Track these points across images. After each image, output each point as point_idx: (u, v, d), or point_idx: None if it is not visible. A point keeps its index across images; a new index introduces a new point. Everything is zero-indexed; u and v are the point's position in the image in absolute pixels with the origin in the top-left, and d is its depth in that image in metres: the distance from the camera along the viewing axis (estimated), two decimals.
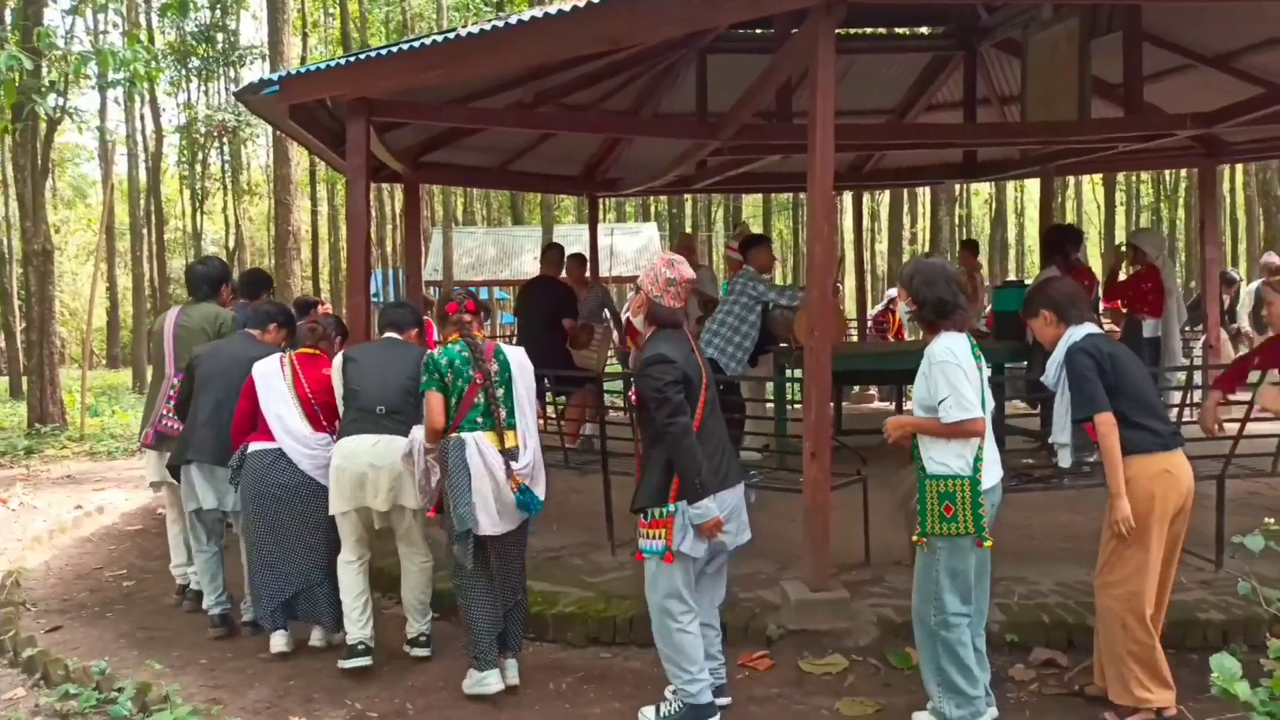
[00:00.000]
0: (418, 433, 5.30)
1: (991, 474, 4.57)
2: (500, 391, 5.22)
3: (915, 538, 4.54)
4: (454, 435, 5.13)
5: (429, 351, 5.38)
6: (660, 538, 4.66)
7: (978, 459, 4.50)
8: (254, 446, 5.87)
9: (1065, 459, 4.79)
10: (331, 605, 5.87)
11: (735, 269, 9.98)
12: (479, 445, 5.08)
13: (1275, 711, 2.69)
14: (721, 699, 4.99)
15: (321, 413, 5.90)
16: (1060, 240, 9.48)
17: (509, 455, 5.13)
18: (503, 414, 5.18)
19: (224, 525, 6.46)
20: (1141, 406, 4.68)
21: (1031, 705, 5.02)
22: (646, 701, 5.01)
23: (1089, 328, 4.83)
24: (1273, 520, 3.37)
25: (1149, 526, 4.58)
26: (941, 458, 4.51)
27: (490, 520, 5.07)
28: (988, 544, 4.51)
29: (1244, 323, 13.59)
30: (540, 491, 5.24)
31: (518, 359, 5.37)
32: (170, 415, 6.59)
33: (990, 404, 4.61)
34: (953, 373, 4.45)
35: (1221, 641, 5.35)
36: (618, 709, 5.09)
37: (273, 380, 5.93)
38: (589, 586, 6.46)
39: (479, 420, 5.15)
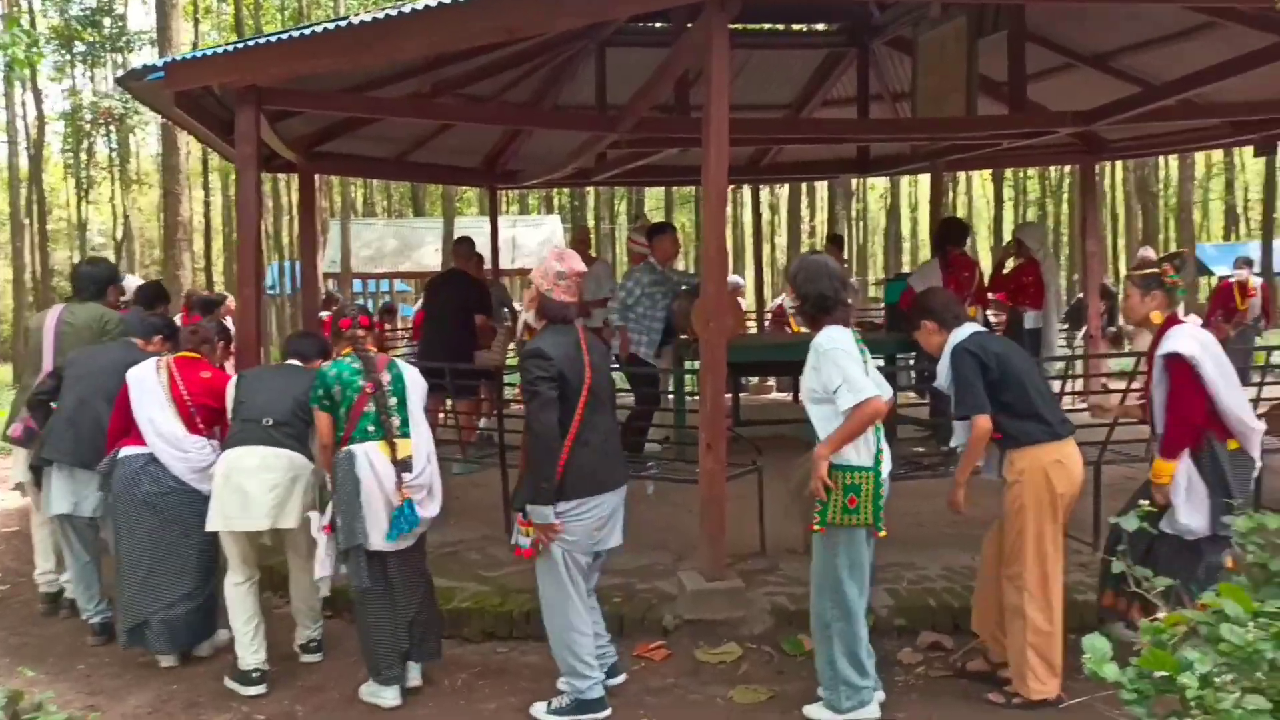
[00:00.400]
0: (320, 540, 5.13)
1: (886, 467, 4.67)
2: (393, 401, 5.10)
3: (815, 527, 4.59)
4: (344, 449, 5.02)
5: (319, 369, 5.31)
6: (530, 533, 4.71)
7: (879, 450, 4.59)
8: (124, 452, 5.62)
9: (990, 471, 4.94)
10: (201, 624, 5.70)
11: (636, 260, 10.02)
12: (370, 457, 4.96)
13: (1143, 689, 2.78)
14: (615, 678, 5.08)
15: (199, 415, 5.68)
16: (942, 235, 9.68)
17: (402, 466, 5.00)
18: (395, 423, 5.05)
19: (95, 535, 6.22)
20: (1030, 399, 4.82)
21: (918, 688, 5.14)
22: (543, 696, 5.01)
23: (971, 327, 4.98)
24: (1147, 502, 3.48)
25: (1047, 517, 4.73)
26: (844, 451, 4.57)
27: (381, 535, 4.94)
28: (883, 534, 4.61)
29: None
30: (430, 510, 5.11)
31: (411, 375, 5.28)
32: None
33: (887, 392, 4.68)
34: (841, 358, 4.51)
35: (1098, 622, 5.51)
36: (513, 704, 5.09)
37: (147, 384, 5.70)
38: (485, 581, 6.44)
39: (370, 429, 5.02)
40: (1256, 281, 14.19)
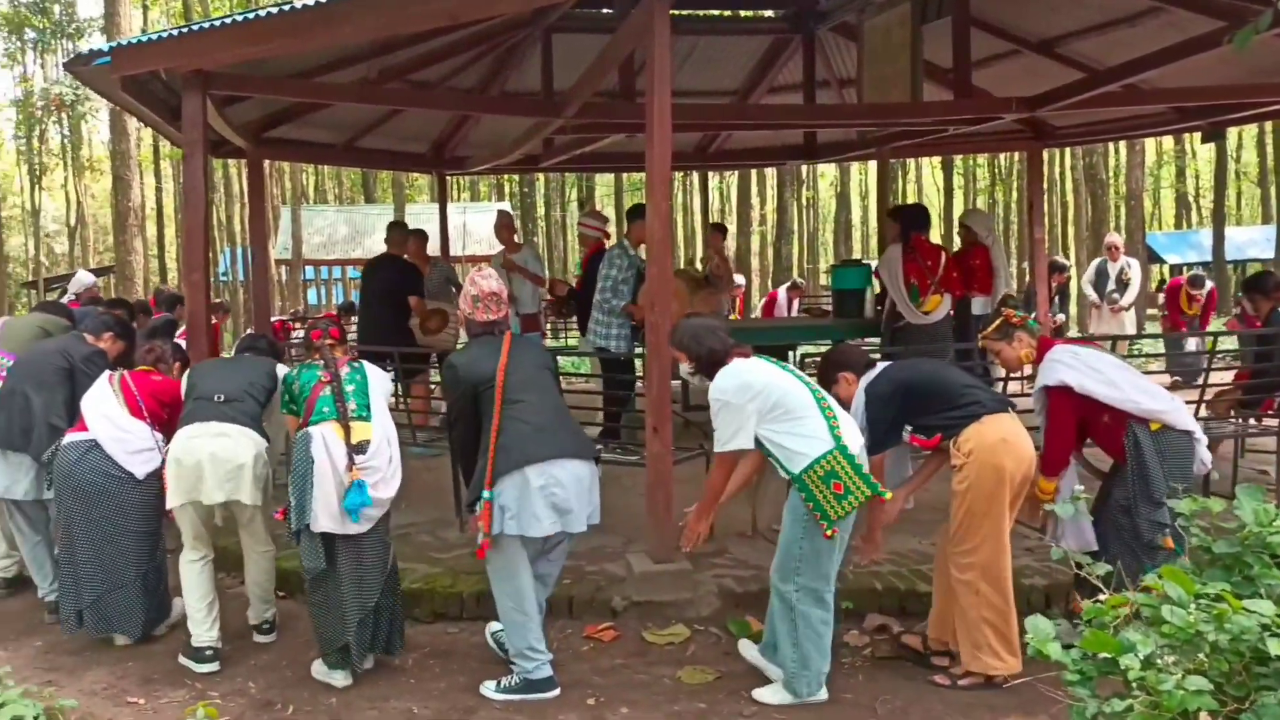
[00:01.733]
0: None
1: (854, 440, 4.68)
2: (350, 388, 5.09)
3: (826, 533, 4.55)
4: (301, 430, 5.00)
5: (285, 374, 5.35)
6: (481, 529, 4.73)
7: (832, 424, 4.61)
8: (67, 439, 5.59)
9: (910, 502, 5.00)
10: (142, 609, 5.61)
11: (591, 245, 9.94)
12: (325, 438, 4.91)
13: (1086, 670, 2.76)
14: None
15: (145, 406, 5.64)
16: (905, 222, 9.57)
17: (356, 449, 4.93)
18: (351, 406, 5.02)
19: (45, 515, 6.19)
20: (951, 394, 4.93)
21: (864, 669, 5.15)
22: (491, 676, 5.01)
23: (876, 369, 5.14)
24: (1083, 489, 3.47)
25: (997, 496, 4.73)
26: (798, 449, 4.58)
27: (330, 518, 4.86)
28: (888, 496, 4.70)
29: (1088, 291, 14.17)
30: (384, 492, 5.01)
31: (374, 371, 5.31)
32: None
33: (815, 388, 4.80)
34: (733, 416, 4.71)
35: (1044, 604, 5.53)
36: (463, 683, 5.07)
37: (98, 384, 5.75)
38: (436, 563, 6.41)
39: (325, 410, 5.01)
40: (1206, 288, 14.42)
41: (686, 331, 5.00)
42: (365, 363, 5.36)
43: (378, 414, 5.11)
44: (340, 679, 5.04)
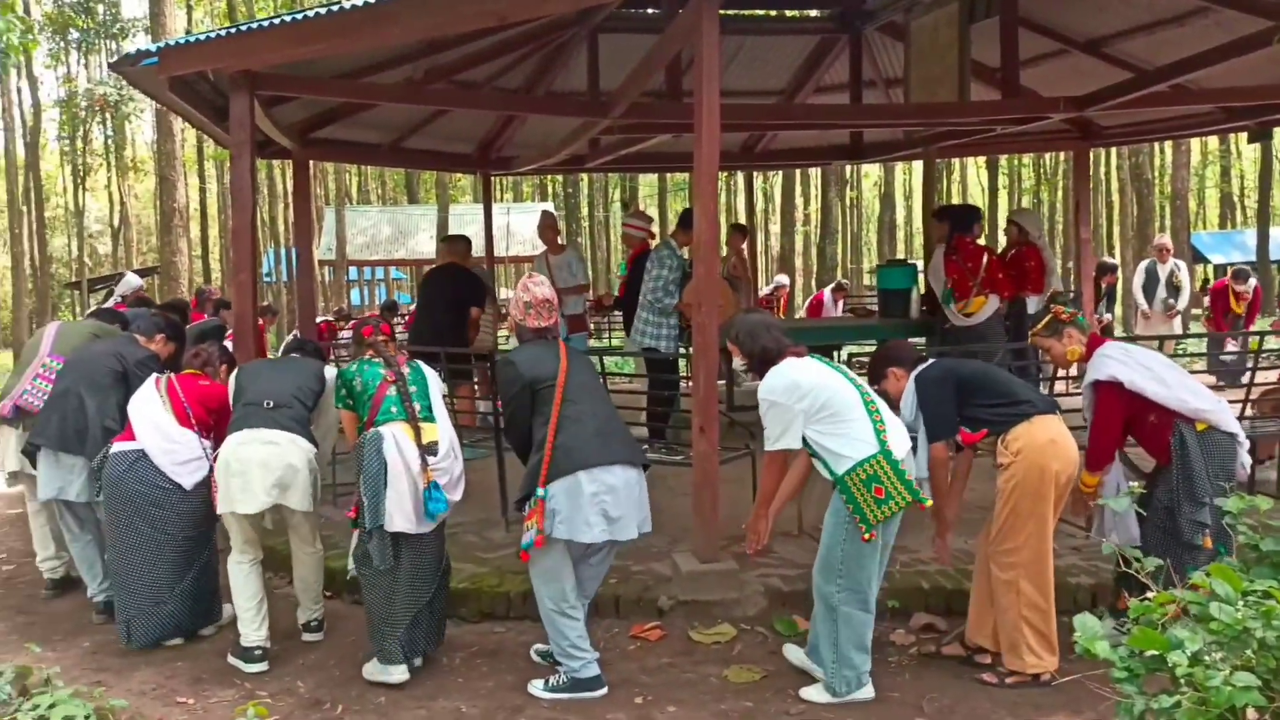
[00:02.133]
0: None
1: (900, 445, 4.70)
2: (414, 389, 5.15)
3: (864, 536, 4.59)
4: (370, 430, 5.03)
5: (342, 369, 5.38)
6: (533, 527, 4.77)
7: (878, 428, 4.63)
8: (116, 447, 5.64)
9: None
10: (189, 616, 5.71)
11: (636, 246, 9.99)
12: (396, 438, 4.96)
13: (1134, 668, 2.79)
14: None
15: (193, 413, 5.70)
16: (950, 223, 9.57)
17: (427, 450, 5.00)
18: (417, 408, 5.09)
19: (94, 512, 6.25)
20: (1001, 388, 4.98)
21: (911, 668, 5.17)
22: (539, 675, 5.06)
23: (930, 361, 5.19)
24: (1137, 484, 3.49)
25: (1043, 496, 4.77)
26: (843, 452, 4.62)
27: (405, 518, 4.91)
28: (928, 503, 4.69)
29: (1138, 296, 14.03)
30: (453, 494, 5.10)
31: (430, 372, 5.36)
32: (33, 391, 6.38)
33: (865, 389, 4.81)
34: (782, 415, 4.74)
35: (1091, 604, 5.54)
36: (510, 682, 5.11)
37: (145, 388, 5.81)
38: (483, 562, 6.47)
39: (393, 411, 5.06)
40: (1251, 284, 14.26)
41: (742, 327, 5.03)
42: (420, 363, 5.41)
43: (440, 414, 5.18)
44: (399, 674, 5.06)
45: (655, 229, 11.03)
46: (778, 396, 4.75)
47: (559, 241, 11.14)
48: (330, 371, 5.82)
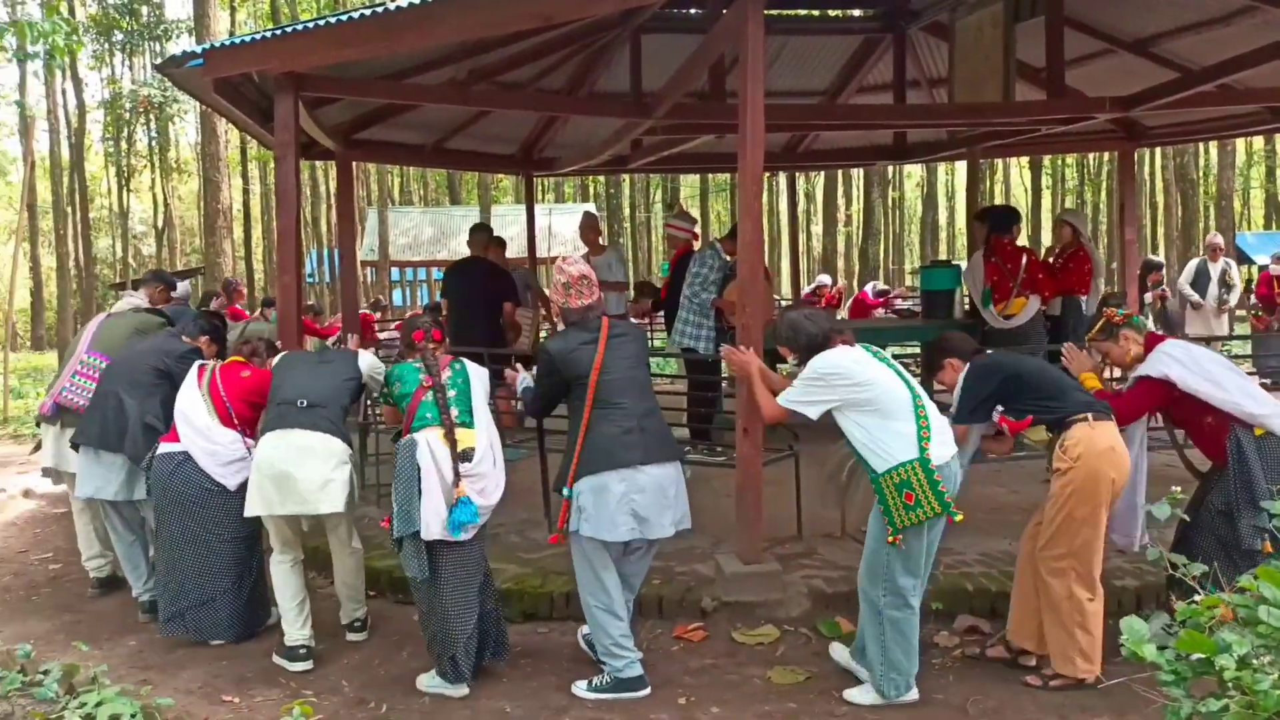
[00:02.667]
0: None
1: (942, 451, 4.67)
2: (453, 393, 5.13)
3: (890, 539, 4.61)
4: (405, 437, 5.05)
5: (389, 369, 5.42)
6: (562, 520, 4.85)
7: (920, 440, 4.60)
8: (162, 449, 5.73)
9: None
10: (238, 617, 5.77)
11: (680, 247, 10.01)
12: (430, 445, 4.94)
13: (1181, 671, 2.79)
14: None
15: (234, 410, 5.76)
16: (989, 225, 9.56)
17: (463, 457, 4.96)
18: (454, 413, 5.05)
19: (138, 516, 6.33)
20: (1057, 390, 4.96)
21: (956, 670, 5.18)
22: (582, 675, 5.09)
23: (981, 357, 5.17)
24: (1180, 489, 3.48)
25: (1099, 504, 4.75)
26: (881, 451, 4.62)
27: (441, 525, 4.88)
28: (959, 518, 4.62)
29: (1187, 292, 13.90)
30: (490, 498, 5.05)
31: (475, 369, 5.34)
32: (72, 388, 6.45)
33: (917, 390, 4.78)
34: (812, 390, 4.79)
35: (1136, 607, 5.52)
36: (554, 683, 5.14)
37: (188, 386, 5.85)
38: (526, 563, 6.50)
39: (428, 416, 5.04)
40: None
41: (785, 325, 5.04)
42: (466, 361, 5.39)
43: (480, 418, 5.15)
44: (457, 692, 5.03)
45: (698, 229, 11.04)
46: (819, 371, 4.78)
47: (600, 242, 11.17)
48: (366, 360, 5.82)
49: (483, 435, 5.10)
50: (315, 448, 5.33)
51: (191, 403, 5.76)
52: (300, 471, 5.26)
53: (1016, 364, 5.14)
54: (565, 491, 4.86)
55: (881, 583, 4.71)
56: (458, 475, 4.92)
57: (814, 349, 4.88)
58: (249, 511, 5.42)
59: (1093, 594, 4.81)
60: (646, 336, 5.86)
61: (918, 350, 10.73)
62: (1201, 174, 32.33)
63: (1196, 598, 3.01)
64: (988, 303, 9.07)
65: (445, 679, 5.06)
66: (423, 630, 5.20)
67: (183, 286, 9.61)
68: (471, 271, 10.17)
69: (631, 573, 5.20)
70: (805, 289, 17.96)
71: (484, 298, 9.74)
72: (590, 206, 31.83)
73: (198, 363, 6.02)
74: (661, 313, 11.08)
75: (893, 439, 4.61)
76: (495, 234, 10.85)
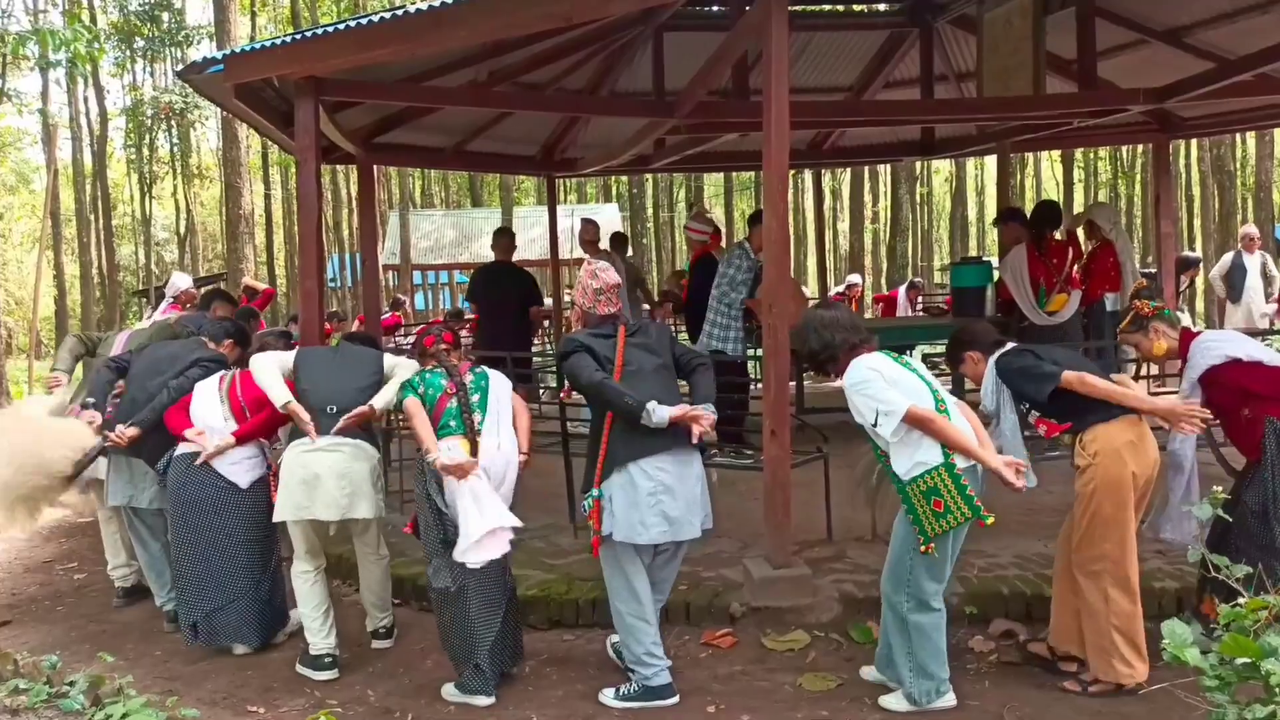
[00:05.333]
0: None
1: (964, 459, 4.59)
2: (475, 398, 5.13)
3: (921, 548, 4.57)
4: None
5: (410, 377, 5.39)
6: (592, 527, 4.84)
7: (944, 445, 4.55)
8: (178, 451, 5.77)
9: (1031, 479, 4.84)
10: (258, 620, 5.79)
11: (698, 250, 10.01)
12: (453, 454, 4.96)
13: (1225, 676, 2.75)
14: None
15: (250, 413, 5.77)
16: (1035, 220, 9.50)
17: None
18: (476, 419, 5.07)
19: (163, 524, 6.33)
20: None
21: (991, 675, 5.13)
22: (609, 683, 5.08)
23: (1006, 347, 5.08)
24: (1220, 489, 3.43)
25: (1123, 501, 4.70)
26: (910, 457, 4.56)
27: (469, 540, 4.90)
28: (989, 521, 4.53)
29: (1218, 286, 13.77)
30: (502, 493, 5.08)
31: (496, 376, 5.33)
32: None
33: (942, 395, 4.71)
34: (868, 389, 4.60)
35: (1175, 608, 5.45)
36: (580, 691, 5.14)
37: (209, 392, 5.87)
38: (551, 569, 6.47)
39: (451, 424, 5.04)
40: None
41: (800, 330, 4.94)
42: (487, 368, 5.39)
43: (502, 423, 5.16)
44: (483, 701, 5.02)
45: (722, 228, 11.08)
46: (859, 377, 4.65)
47: (600, 247, 11.46)
48: (390, 359, 5.85)
49: (505, 444, 5.12)
50: (346, 453, 5.38)
51: (209, 406, 5.79)
52: (332, 477, 5.31)
53: (1044, 354, 5.02)
54: (595, 493, 4.84)
55: (905, 588, 4.68)
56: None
57: (832, 358, 4.82)
58: (278, 517, 5.46)
59: (1130, 594, 4.75)
60: (672, 333, 5.81)
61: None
62: (1239, 165, 32.04)
63: (1240, 600, 2.97)
64: (1042, 302, 9.01)
65: (468, 690, 5.06)
66: (443, 643, 5.21)
67: (180, 279, 9.62)
68: (504, 277, 10.50)
69: (662, 577, 5.20)
70: (835, 289, 17.87)
71: (516, 302, 9.89)
72: (613, 207, 31.82)
73: (219, 374, 6.02)
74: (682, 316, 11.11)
75: (918, 443, 4.56)
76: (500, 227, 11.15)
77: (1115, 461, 4.69)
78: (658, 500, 4.79)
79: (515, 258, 11.03)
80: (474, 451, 4.98)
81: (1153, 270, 15.43)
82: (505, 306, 10.07)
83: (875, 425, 4.59)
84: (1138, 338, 5.26)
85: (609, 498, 4.82)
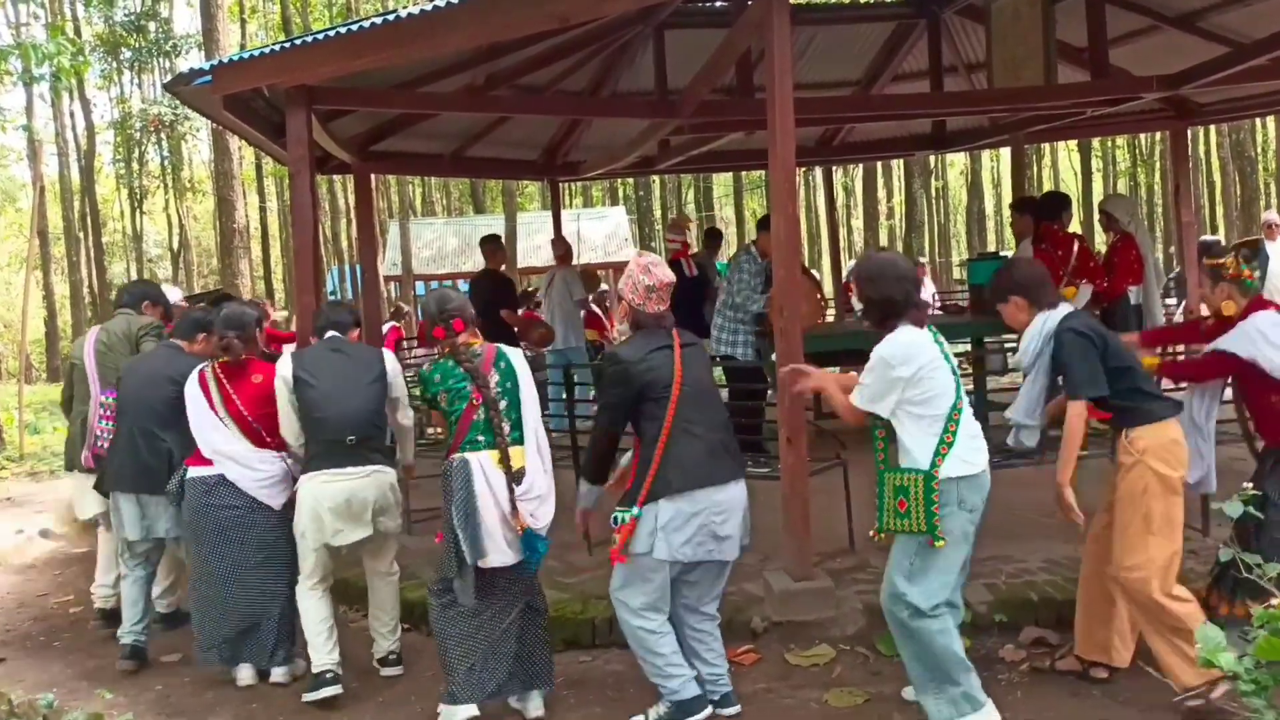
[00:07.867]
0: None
1: (977, 458, 4.52)
2: (504, 404, 5.02)
3: (872, 533, 4.56)
4: (456, 456, 4.94)
5: (420, 369, 5.36)
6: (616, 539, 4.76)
7: (937, 452, 4.41)
8: (192, 472, 5.69)
9: (1031, 438, 4.78)
10: (279, 641, 5.77)
11: (670, 256, 10.13)
12: (484, 469, 4.89)
13: (1261, 679, 2.74)
14: (727, 709, 4.95)
15: (262, 427, 5.70)
16: (1035, 211, 9.49)
17: (516, 478, 4.91)
18: (507, 428, 4.97)
19: (159, 552, 6.35)
20: (1140, 375, 4.77)
21: (1023, 685, 5.09)
22: (628, 705, 5.04)
23: (1065, 309, 4.86)
24: (1250, 485, 3.42)
25: (1172, 502, 4.63)
26: (902, 449, 4.47)
27: (499, 552, 4.87)
28: (939, 545, 4.36)
29: None
30: (544, 515, 5.01)
31: (519, 362, 5.18)
32: (104, 435, 6.42)
33: (960, 395, 4.55)
34: (883, 371, 4.46)
35: (1203, 607, 5.41)
36: (599, 713, 5.11)
37: (198, 403, 5.76)
38: (565, 588, 6.42)
39: (480, 439, 4.94)
40: None
41: (869, 268, 4.73)
42: (507, 351, 5.21)
43: (528, 421, 5.07)
44: (464, 713, 4.93)
45: (692, 239, 11.41)
46: (886, 355, 4.48)
47: (570, 263, 12.42)
48: (391, 361, 5.82)
49: (531, 447, 5.05)
50: (367, 480, 5.44)
51: (213, 427, 5.70)
52: (354, 503, 5.38)
53: (1106, 332, 4.84)
54: (636, 512, 4.70)
55: (904, 600, 4.47)
56: (514, 504, 4.88)
57: (889, 314, 4.56)
58: (308, 545, 5.47)
59: (1180, 592, 4.63)
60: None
61: (967, 348, 10.62)
62: (1259, 151, 31.98)
63: (1275, 601, 2.95)
64: None
65: (449, 702, 4.97)
66: (449, 658, 5.02)
67: (171, 292, 9.61)
68: (478, 283, 11.40)
69: (699, 594, 4.98)
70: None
71: (482, 307, 10.12)
72: (620, 210, 31.88)
73: (196, 369, 5.86)
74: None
75: (915, 439, 4.45)
76: (499, 241, 12.16)
77: (1165, 459, 4.61)
78: (710, 520, 4.70)
79: (522, 264, 11.40)
80: (506, 463, 4.90)
81: (1216, 239, 15.38)
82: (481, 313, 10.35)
83: (864, 402, 4.53)
84: (1206, 290, 5.24)
85: (654, 516, 4.68)
